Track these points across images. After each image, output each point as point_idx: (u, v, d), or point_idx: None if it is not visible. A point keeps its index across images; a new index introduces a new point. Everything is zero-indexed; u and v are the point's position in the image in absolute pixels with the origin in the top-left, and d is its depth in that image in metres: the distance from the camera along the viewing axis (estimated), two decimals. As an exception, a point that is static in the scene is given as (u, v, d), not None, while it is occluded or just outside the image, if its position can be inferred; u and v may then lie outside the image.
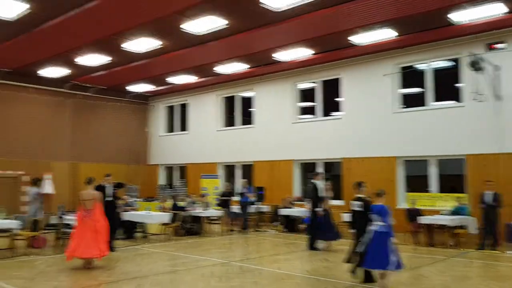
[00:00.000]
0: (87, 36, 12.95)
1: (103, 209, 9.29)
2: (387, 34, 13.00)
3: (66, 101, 19.33)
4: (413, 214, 12.39)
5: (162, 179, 22.09)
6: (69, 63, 16.08)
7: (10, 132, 17.59)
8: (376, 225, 6.98)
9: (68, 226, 10.89)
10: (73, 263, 8.66)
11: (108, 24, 11.97)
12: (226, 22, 11.98)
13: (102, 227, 9.01)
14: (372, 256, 6.94)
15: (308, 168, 17.33)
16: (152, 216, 12.87)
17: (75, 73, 17.45)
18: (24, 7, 10.97)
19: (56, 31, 12.47)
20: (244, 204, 15.10)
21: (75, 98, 19.66)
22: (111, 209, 10.86)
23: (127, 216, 12.80)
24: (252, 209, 15.40)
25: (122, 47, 14.01)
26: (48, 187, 18.34)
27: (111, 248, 10.61)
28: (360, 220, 7.51)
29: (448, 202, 13.09)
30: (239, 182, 18.76)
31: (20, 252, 10.15)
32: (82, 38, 13.09)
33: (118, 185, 11.38)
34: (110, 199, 10.83)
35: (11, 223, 10.35)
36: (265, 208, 16.43)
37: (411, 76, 15.01)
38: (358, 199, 7.69)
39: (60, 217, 11.30)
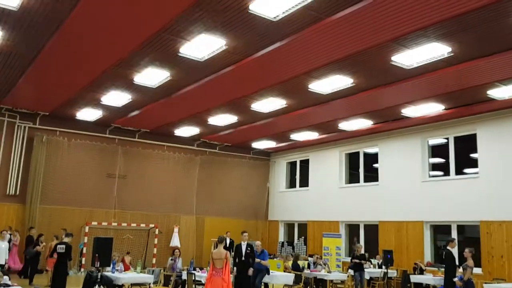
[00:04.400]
0: (220, 99, 13.77)
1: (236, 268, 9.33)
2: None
3: (195, 158, 20.52)
4: None
5: (282, 236, 21.95)
6: (201, 123, 17.17)
7: (146, 187, 18.94)
8: None
9: (198, 282, 11.17)
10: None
11: (239, 87, 12.60)
12: (352, 81, 11.92)
13: (229, 287, 9.11)
14: None
15: (440, 230, 15.93)
16: (277, 276, 12.68)
17: (205, 131, 18.56)
18: (165, 75, 12.05)
19: (193, 96, 13.43)
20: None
21: (203, 155, 20.77)
22: (245, 268, 10.96)
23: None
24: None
25: (251, 108, 14.63)
26: (175, 240, 19.36)
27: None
28: None
29: None
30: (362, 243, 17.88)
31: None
32: (216, 101, 13.95)
33: (251, 246, 11.48)
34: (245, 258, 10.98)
35: (147, 277, 10.92)
36: (393, 273, 15.29)
37: None
38: None
39: (191, 273, 11.63)
